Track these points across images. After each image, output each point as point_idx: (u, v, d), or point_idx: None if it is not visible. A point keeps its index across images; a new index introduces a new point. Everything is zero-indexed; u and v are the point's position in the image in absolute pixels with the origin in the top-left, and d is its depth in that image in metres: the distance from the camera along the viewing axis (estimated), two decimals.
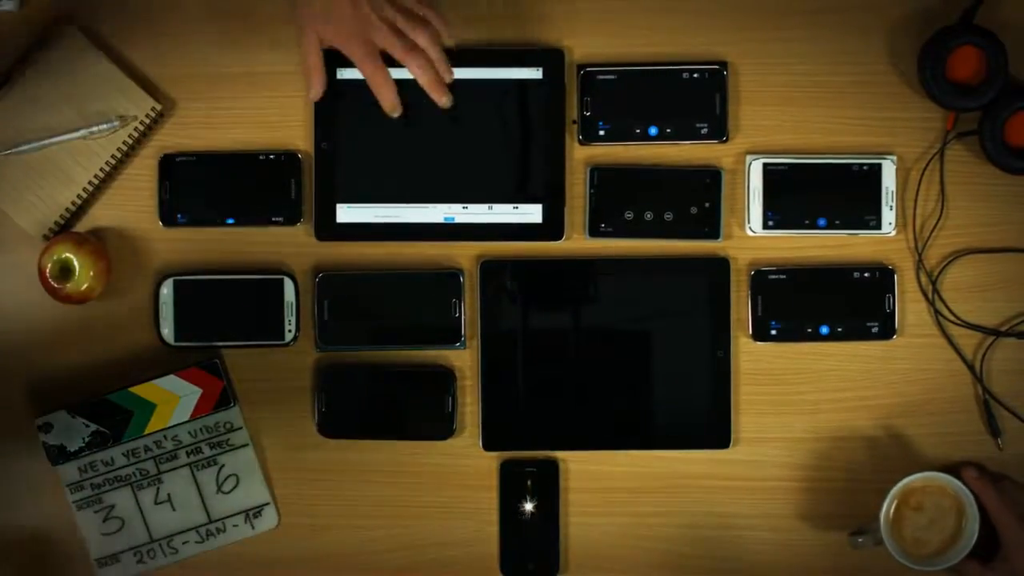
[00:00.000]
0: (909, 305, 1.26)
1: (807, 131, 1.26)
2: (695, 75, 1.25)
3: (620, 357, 1.25)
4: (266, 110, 1.26)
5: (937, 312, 1.26)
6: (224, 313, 1.25)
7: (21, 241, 1.26)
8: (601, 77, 1.25)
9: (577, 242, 1.26)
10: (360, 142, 1.25)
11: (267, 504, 1.27)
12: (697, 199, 1.25)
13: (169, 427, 1.25)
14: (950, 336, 1.26)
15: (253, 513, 1.26)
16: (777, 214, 1.25)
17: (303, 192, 1.26)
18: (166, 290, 1.25)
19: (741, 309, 1.26)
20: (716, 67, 1.25)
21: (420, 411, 1.26)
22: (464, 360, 1.26)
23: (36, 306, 1.26)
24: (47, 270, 1.22)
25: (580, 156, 1.26)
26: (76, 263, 1.21)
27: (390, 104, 1.18)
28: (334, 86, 1.24)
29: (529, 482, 1.25)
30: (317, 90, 1.20)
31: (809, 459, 1.26)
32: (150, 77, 1.26)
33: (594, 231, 1.25)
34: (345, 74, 1.25)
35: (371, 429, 1.26)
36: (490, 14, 1.26)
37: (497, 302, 1.25)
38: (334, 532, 1.27)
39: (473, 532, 1.27)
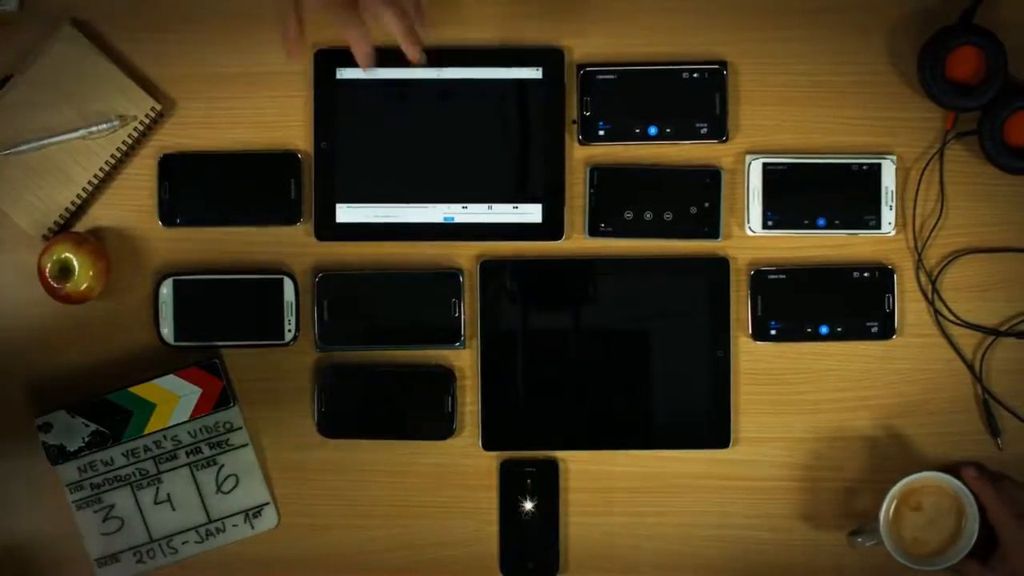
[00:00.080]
0: (909, 305, 1.26)
1: (807, 131, 1.26)
2: (695, 75, 1.25)
3: (620, 357, 1.25)
4: (266, 110, 1.26)
5: (937, 312, 1.26)
6: (224, 313, 1.25)
7: (21, 241, 1.26)
8: (601, 77, 1.25)
9: (577, 242, 1.26)
10: (360, 142, 1.25)
11: (267, 504, 1.27)
12: (697, 199, 1.25)
13: (169, 427, 1.25)
14: (950, 336, 1.26)
15: (253, 513, 1.26)
16: (777, 214, 1.25)
17: (303, 192, 1.26)
18: (166, 290, 1.25)
19: (741, 309, 1.26)
20: (716, 67, 1.25)
21: (420, 411, 1.26)
22: (464, 360, 1.26)
23: (36, 306, 1.26)
24: (47, 270, 1.22)
25: (580, 156, 1.26)
26: (76, 263, 1.21)
27: (364, 56, 1.10)
28: (334, 86, 1.25)
29: (529, 482, 1.25)
30: (291, 48, 1.11)
31: (808, 459, 1.26)
32: (150, 77, 1.26)
33: (594, 231, 1.25)
34: (344, 74, 1.25)
35: (371, 429, 1.26)
36: (490, 14, 1.26)
37: (497, 302, 1.25)
38: (334, 532, 1.27)
39: (473, 532, 1.27)
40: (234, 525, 1.26)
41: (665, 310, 1.25)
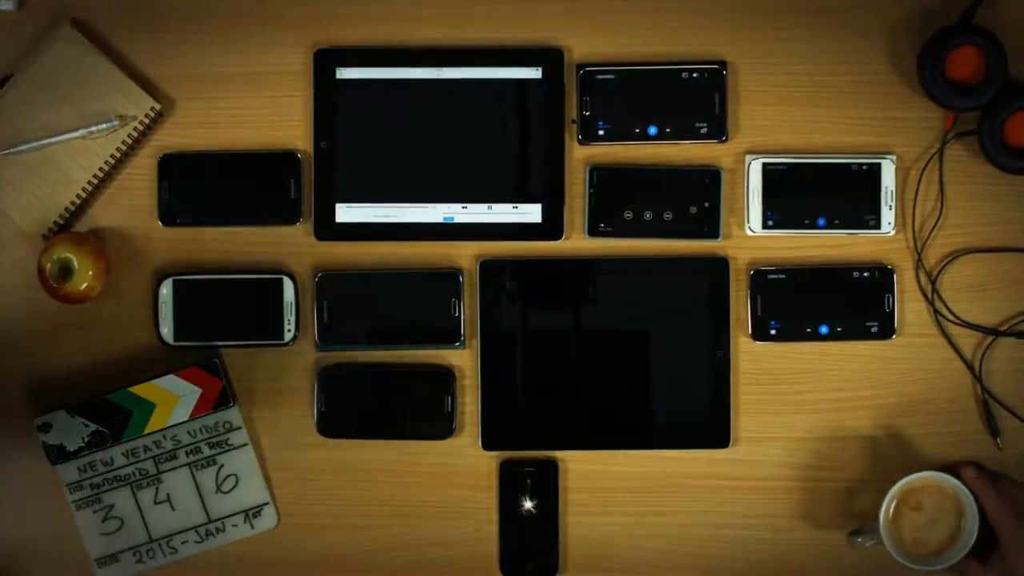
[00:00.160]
0: (908, 305, 1.26)
1: (806, 131, 1.26)
2: (694, 75, 1.25)
3: (619, 357, 1.25)
4: (265, 110, 1.26)
5: (936, 312, 1.26)
6: (223, 313, 1.25)
7: (20, 241, 1.26)
8: (600, 77, 1.25)
9: (576, 242, 1.26)
10: (359, 142, 1.25)
11: (266, 504, 1.26)
12: (696, 199, 1.25)
13: (168, 427, 1.25)
14: (949, 336, 1.26)
15: (252, 513, 1.26)
16: (776, 214, 1.25)
17: (302, 192, 1.26)
18: (165, 290, 1.25)
19: (740, 309, 1.26)
20: (715, 67, 1.25)
21: (419, 411, 1.26)
22: (463, 360, 1.26)
23: (35, 306, 1.26)
24: (47, 270, 1.22)
25: (579, 156, 1.26)
26: (75, 263, 1.21)
27: None
28: (333, 86, 1.25)
29: (529, 482, 1.25)
30: None
31: (808, 459, 1.26)
32: (149, 77, 1.26)
33: (593, 231, 1.25)
34: (344, 74, 1.25)
35: (370, 429, 1.26)
36: (490, 14, 1.26)
37: (497, 302, 1.25)
38: (333, 532, 1.27)
39: (472, 532, 1.27)
40: (234, 525, 1.26)
41: (665, 310, 1.25)
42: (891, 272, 1.25)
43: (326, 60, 1.25)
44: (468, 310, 1.26)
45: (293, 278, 1.26)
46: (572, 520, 1.26)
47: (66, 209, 1.25)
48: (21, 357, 1.27)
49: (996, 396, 1.26)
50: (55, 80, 1.23)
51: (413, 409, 1.26)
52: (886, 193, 1.25)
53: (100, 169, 1.25)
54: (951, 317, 1.26)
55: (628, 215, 1.25)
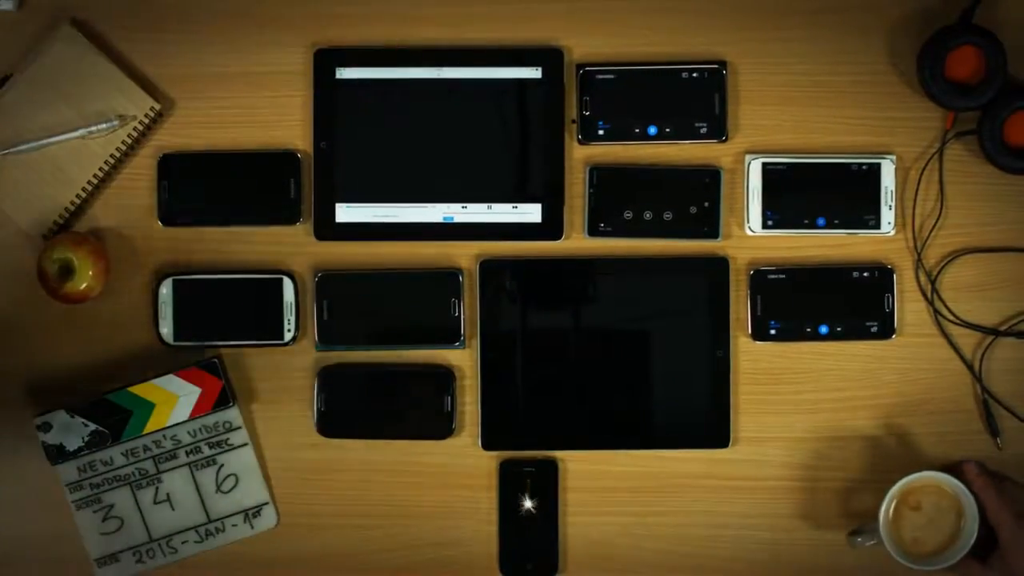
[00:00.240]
0: (908, 304, 1.26)
1: (806, 131, 1.26)
2: (694, 75, 1.25)
3: (619, 357, 1.25)
4: (265, 110, 1.26)
5: (936, 311, 1.26)
6: (223, 313, 1.25)
7: (20, 241, 1.26)
8: (600, 76, 1.25)
9: (576, 242, 1.26)
10: (359, 142, 1.25)
11: (266, 504, 1.26)
12: (696, 199, 1.25)
13: (168, 427, 1.25)
14: (949, 335, 1.26)
15: (252, 513, 1.26)
16: (776, 214, 1.25)
17: (302, 192, 1.26)
18: (165, 290, 1.25)
19: (740, 309, 1.26)
20: (715, 67, 1.25)
21: (419, 411, 1.26)
22: (463, 360, 1.26)
23: (35, 305, 1.26)
24: (47, 270, 1.21)
25: (579, 156, 1.26)
26: (75, 263, 1.21)
27: None
28: (333, 85, 1.25)
29: (528, 482, 1.25)
30: None
31: (808, 459, 1.26)
32: (149, 77, 1.26)
33: (593, 231, 1.25)
34: (344, 74, 1.25)
35: (370, 429, 1.26)
36: (490, 14, 1.26)
37: (496, 302, 1.25)
38: (333, 532, 1.27)
39: (472, 532, 1.27)
40: (233, 525, 1.26)
41: (665, 310, 1.25)
42: (891, 272, 1.25)
43: (326, 60, 1.25)
44: (468, 310, 1.26)
45: (293, 278, 1.26)
46: (572, 520, 1.26)
47: (66, 209, 1.25)
48: (21, 357, 1.27)
49: (996, 396, 1.26)
50: (55, 80, 1.23)
51: (413, 409, 1.26)
52: (886, 193, 1.25)
53: (100, 169, 1.25)
54: (951, 317, 1.26)
55: (628, 215, 1.25)
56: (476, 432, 1.26)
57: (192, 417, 1.25)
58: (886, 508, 1.19)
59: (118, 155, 1.25)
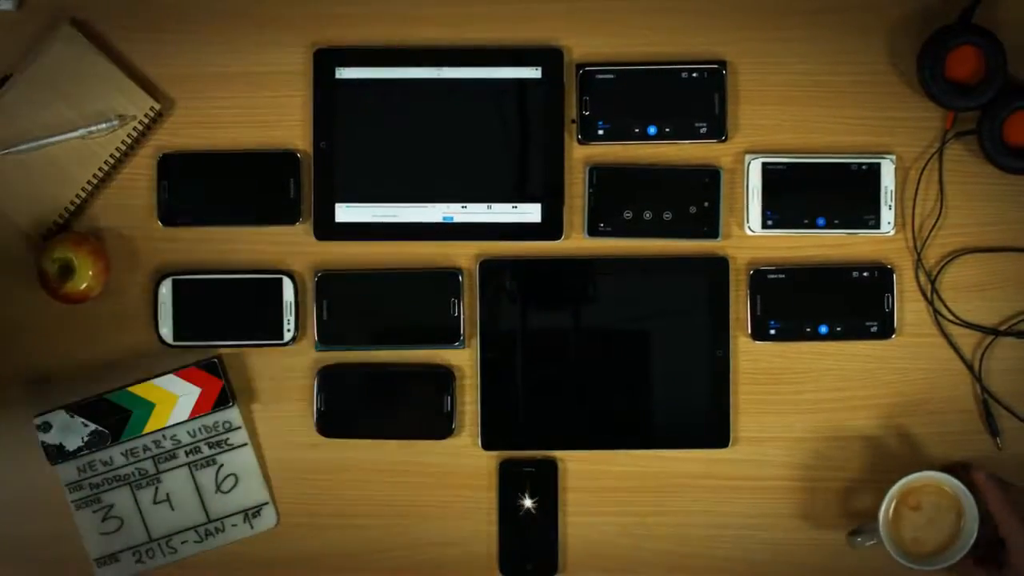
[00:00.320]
0: (908, 304, 1.26)
1: (806, 131, 1.26)
2: (694, 75, 1.25)
3: (619, 357, 1.25)
4: (265, 110, 1.26)
5: (936, 311, 1.26)
6: (223, 313, 1.25)
7: (20, 241, 1.26)
8: (600, 76, 1.25)
9: (576, 242, 1.26)
10: (359, 141, 1.25)
11: (266, 504, 1.26)
12: (696, 199, 1.25)
13: (168, 426, 1.25)
14: (949, 335, 1.26)
15: (252, 512, 1.26)
16: (776, 213, 1.25)
17: (302, 192, 1.26)
18: (165, 289, 1.25)
19: (740, 308, 1.26)
20: (715, 67, 1.25)
21: (419, 411, 1.26)
22: (463, 359, 1.26)
23: (35, 306, 1.26)
24: (47, 270, 1.22)
25: (579, 155, 1.26)
26: (75, 263, 1.21)
27: None
28: (333, 85, 1.25)
29: (528, 481, 1.25)
30: None
31: (808, 459, 1.26)
32: (149, 76, 1.26)
33: (593, 231, 1.25)
34: (344, 73, 1.25)
35: (370, 429, 1.26)
36: (490, 14, 1.26)
37: (496, 302, 1.25)
38: (333, 531, 1.27)
39: (472, 532, 1.27)
40: (233, 525, 1.26)
41: (665, 310, 1.25)
42: (891, 272, 1.25)
43: (326, 60, 1.25)
44: (468, 310, 1.26)
45: (293, 278, 1.26)
46: (572, 520, 1.26)
47: (66, 209, 1.25)
48: (21, 357, 1.27)
49: (996, 396, 1.26)
50: (55, 80, 1.23)
51: (413, 409, 1.26)
52: (886, 193, 1.25)
53: (100, 169, 1.25)
54: (951, 317, 1.26)
55: (628, 215, 1.25)
56: (476, 432, 1.26)
57: (192, 417, 1.25)
58: (886, 508, 1.19)
59: (118, 155, 1.25)
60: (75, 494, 1.25)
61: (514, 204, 1.25)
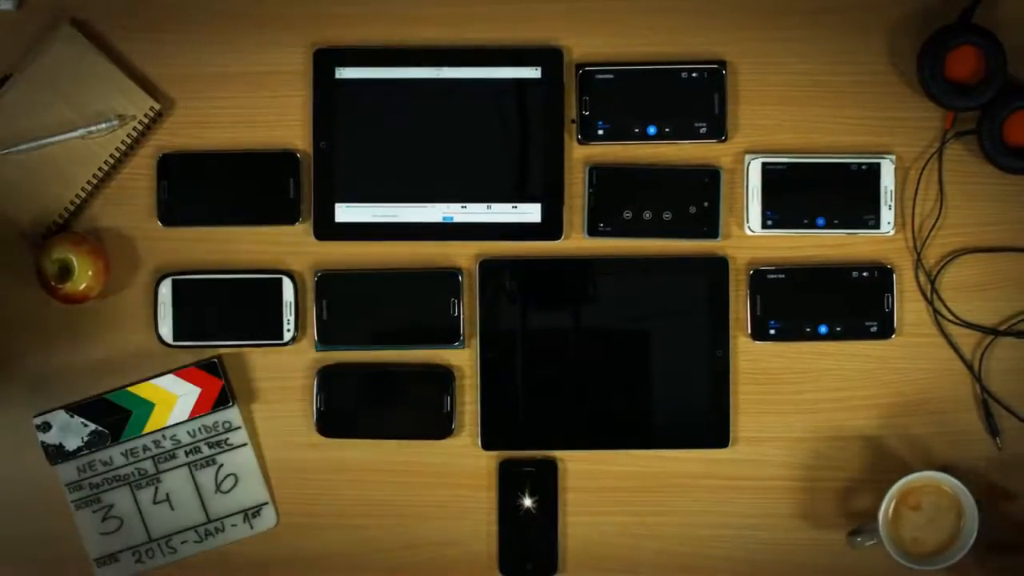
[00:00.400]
0: (908, 304, 1.26)
1: (806, 130, 1.26)
2: (694, 75, 1.25)
3: (619, 357, 1.25)
4: (265, 110, 1.26)
5: (936, 311, 1.26)
6: (223, 312, 1.25)
7: (20, 241, 1.26)
8: (600, 76, 1.25)
9: (576, 242, 1.26)
10: (359, 141, 1.25)
11: (266, 504, 1.26)
12: (696, 199, 1.25)
13: (168, 426, 1.25)
14: (949, 335, 1.26)
15: (252, 512, 1.26)
16: (776, 213, 1.25)
17: (302, 192, 1.26)
18: (165, 289, 1.25)
19: (740, 308, 1.26)
20: (715, 67, 1.25)
21: (419, 410, 1.26)
22: (463, 359, 1.26)
23: (35, 306, 1.26)
24: (46, 270, 1.22)
25: (579, 155, 1.26)
26: (75, 263, 1.21)
27: None
28: (333, 85, 1.25)
29: (528, 481, 1.25)
30: None
31: (808, 458, 1.26)
32: (149, 77, 1.26)
33: (593, 231, 1.25)
34: (344, 73, 1.25)
35: (370, 428, 1.26)
36: (490, 14, 1.26)
37: (496, 302, 1.25)
38: (333, 531, 1.27)
39: (472, 532, 1.27)
40: (233, 525, 1.26)
41: (664, 310, 1.25)
42: (890, 272, 1.25)
43: (325, 60, 1.25)
44: (467, 310, 1.26)
45: (292, 278, 1.26)
46: (571, 520, 1.26)
47: (65, 209, 1.25)
48: (20, 357, 1.26)
49: (995, 396, 1.26)
50: (54, 80, 1.23)
51: (412, 409, 1.26)
52: (885, 193, 1.25)
53: (99, 169, 1.25)
54: (950, 317, 1.26)
55: (627, 215, 1.25)
56: (476, 432, 1.26)
57: (192, 417, 1.25)
58: (886, 508, 1.19)
59: (118, 155, 1.25)
60: (75, 494, 1.26)
61: (514, 204, 1.25)
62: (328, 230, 1.26)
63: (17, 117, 1.24)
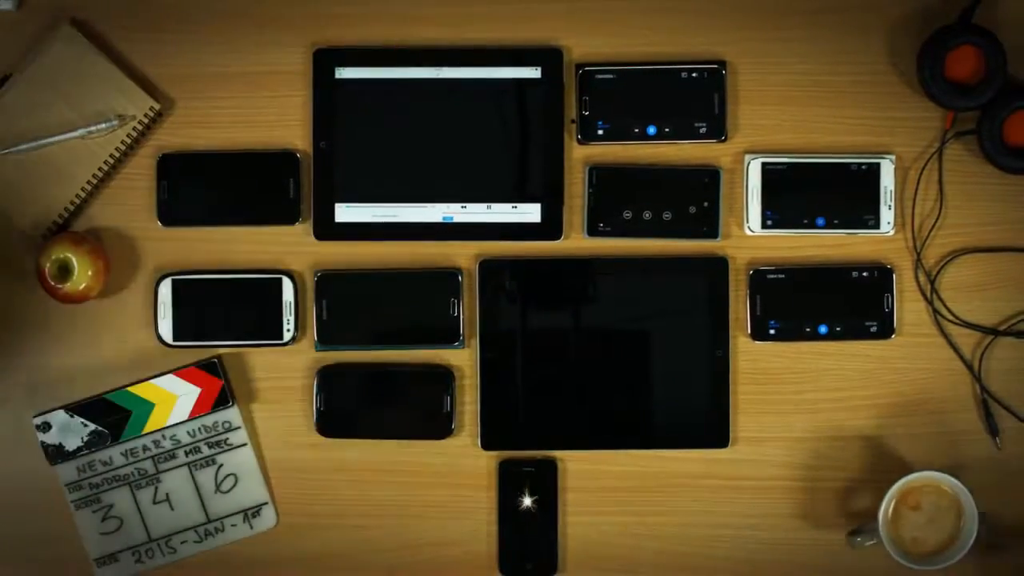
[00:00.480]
0: (908, 304, 1.26)
1: (806, 130, 1.26)
2: (694, 74, 1.25)
3: (619, 357, 1.25)
4: (264, 110, 1.26)
5: (936, 311, 1.26)
6: (223, 312, 1.25)
7: (19, 241, 1.26)
8: (600, 76, 1.25)
9: (576, 242, 1.26)
10: (358, 141, 1.25)
11: (266, 504, 1.26)
12: (696, 199, 1.25)
13: (167, 426, 1.25)
14: (949, 335, 1.26)
15: (252, 513, 1.26)
16: (776, 213, 1.25)
17: (302, 192, 1.26)
18: (164, 289, 1.25)
19: (740, 308, 1.26)
20: (715, 67, 1.25)
21: (418, 410, 1.26)
22: (463, 359, 1.26)
23: (35, 306, 1.26)
24: (46, 269, 1.22)
25: (579, 155, 1.26)
26: (75, 262, 1.21)
27: None
28: (333, 85, 1.25)
29: (528, 481, 1.25)
30: None
31: (807, 458, 1.26)
32: (149, 76, 1.26)
33: (593, 231, 1.25)
34: (344, 73, 1.25)
35: (369, 428, 1.26)
36: (490, 13, 1.26)
37: (496, 302, 1.25)
38: (333, 531, 1.27)
39: (471, 532, 1.27)
40: (233, 525, 1.26)
41: (664, 310, 1.25)
42: (890, 272, 1.25)
43: (325, 60, 1.25)
44: (467, 310, 1.26)
45: (292, 278, 1.26)
46: (571, 520, 1.26)
47: (65, 209, 1.25)
48: (20, 357, 1.26)
49: (995, 396, 1.26)
50: (54, 80, 1.23)
51: (412, 409, 1.26)
52: (885, 193, 1.25)
53: (99, 169, 1.25)
54: (950, 317, 1.26)
55: (627, 215, 1.25)
56: (475, 432, 1.26)
57: (191, 417, 1.25)
58: (886, 508, 1.19)
59: (117, 155, 1.25)
60: (75, 494, 1.26)
61: (514, 204, 1.25)
62: (328, 230, 1.26)
63: (17, 117, 1.24)
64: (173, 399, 1.25)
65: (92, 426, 1.24)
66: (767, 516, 1.26)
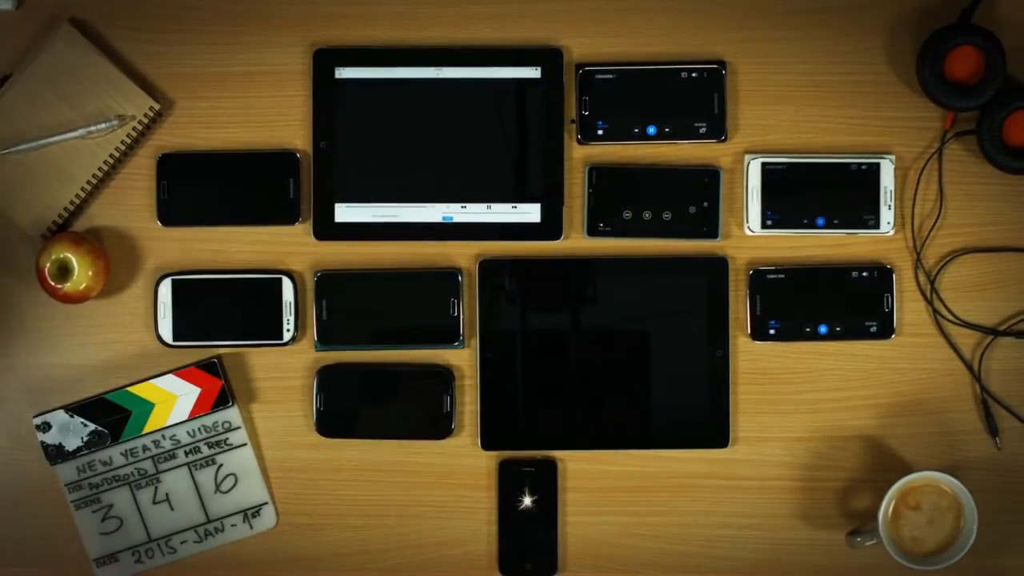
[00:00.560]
0: (907, 304, 1.26)
1: (806, 130, 1.26)
2: (694, 74, 1.25)
3: (619, 357, 1.25)
4: (264, 110, 1.26)
5: (935, 311, 1.26)
6: (222, 312, 1.25)
7: (19, 241, 1.26)
8: (600, 76, 1.25)
9: (576, 242, 1.26)
10: (358, 141, 1.25)
11: (265, 504, 1.26)
12: (696, 199, 1.25)
13: (167, 426, 1.25)
14: (948, 335, 1.26)
15: (251, 513, 1.26)
16: (776, 213, 1.25)
17: (301, 192, 1.26)
18: (164, 289, 1.25)
19: (740, 309, 1.26)
20: (715, 67, 1.25)
21: (418, 411, 1.26)
22: (463, 359, 1.26)
23: (35, 306, 1.26)
24: (45, 269, 1.22)
25: (579, 155, 1.26)
26: (74, 262, 1.21)
27: None
28: (332, 85, 1.25)
29: (528, 481, 1.25)
30: None
31: (807, 458, 1.26)
32: (148, 76, 1.26)
33: (592, 231, 1.25)
34: (344, 73, 1.25)
35: (369, 428, 1.26)
36: (490, 14, 1.26)
37: (496, 302, 1.25)
38: (332, 532, 1.27)
39: (471, 532, 1.27)
40: (233, 525, 1.26)
41: (664, 310, 1.25)
42: (890, 272, 1.25)
43: (325, 60, 1.25)
44: (467, 310, 1.26)
45: (292, 278, 1.26)
46: (571, 520, 1.26)
47: (65, 209, 1.25)
48: (20, 357, 1.27)
49: (995, 396, 1.26)
50: (54, 80, 1.24)
51: (412, 409, 1.26)
52: (885, 193, 1.25)
53: (99, 169, 1.25)
54: (950, 317, 1.26)
55: (627, 215, 1.25)
56: (475, 432, 1.26)
57: (191, 417, 1.25)
58: (885, 508, 1.19)
59: (117, 155, 1.25)
60: (74, 494, 1.26)
61: (514, 204, 1.25)
62: (328, 230, 1.26)
63: (17, 117, 1.24)
64: (173, 399, 1.25)
65: (92, 426, 1.24)
66: (767, 516, 1.26)
